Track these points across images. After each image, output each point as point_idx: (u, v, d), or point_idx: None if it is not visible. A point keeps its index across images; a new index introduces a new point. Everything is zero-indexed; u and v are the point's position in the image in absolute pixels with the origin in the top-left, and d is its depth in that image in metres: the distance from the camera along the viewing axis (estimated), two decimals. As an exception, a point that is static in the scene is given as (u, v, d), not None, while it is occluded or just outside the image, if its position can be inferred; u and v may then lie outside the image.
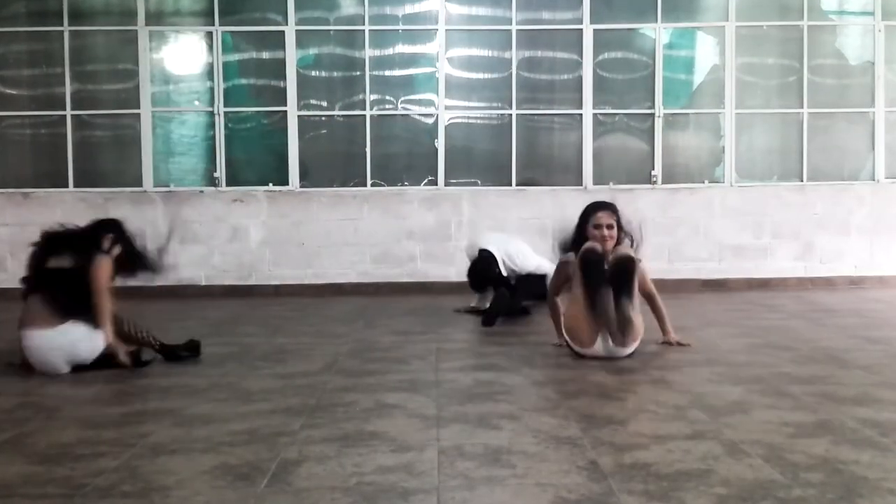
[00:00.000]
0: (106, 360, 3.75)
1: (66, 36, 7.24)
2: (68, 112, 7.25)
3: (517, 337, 4.70)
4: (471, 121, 7.45)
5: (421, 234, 7.19)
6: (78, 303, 3.72)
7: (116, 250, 3.94)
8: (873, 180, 7.45)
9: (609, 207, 4.20)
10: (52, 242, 3.91)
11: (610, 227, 4.12)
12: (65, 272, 3.79)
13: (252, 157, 7.48)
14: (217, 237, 7.24)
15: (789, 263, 7.36)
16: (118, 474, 2.34)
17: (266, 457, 2.47)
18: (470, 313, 5.64)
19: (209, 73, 7.34)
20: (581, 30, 7.31)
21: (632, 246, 4.19)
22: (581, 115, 7.35)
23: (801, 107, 7.40)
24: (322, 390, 3.39)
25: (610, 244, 4.09)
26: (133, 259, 4.02)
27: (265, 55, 7.37)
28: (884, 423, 2.77)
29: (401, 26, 7.35)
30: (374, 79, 7.34)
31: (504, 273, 5.53)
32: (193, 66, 7.43)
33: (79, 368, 3.75)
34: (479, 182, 7.33)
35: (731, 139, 7.42)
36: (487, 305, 5.35)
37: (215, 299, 6.87)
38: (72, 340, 3.69)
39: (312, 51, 7.41)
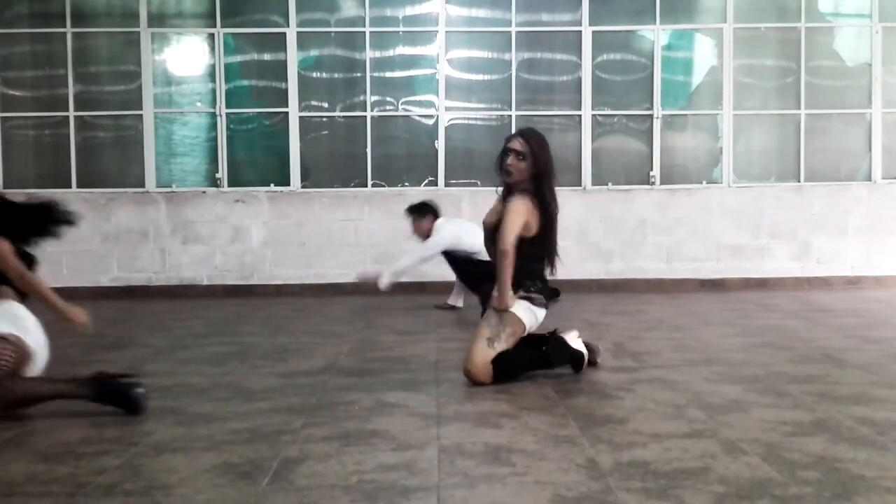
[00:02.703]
0: None
1: (69, 38, 7.26)
2: (71, 113, 7.27)
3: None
4: (471, 122, 7.48)
5: (421, 234, 7.21)
6: None
7: None
8: (870, 181, 7.47)
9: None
10: None
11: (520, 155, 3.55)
12: None
13: (254, 158, 7.51)
14: (219, 237, 7.27)
15: (787, 263, 7.38)
16: (120, 472, 2.36)
17: (267, 455, 2.49)
18: (446, 309, 5.96)
19: (211, 75, 7.36)
20: (580, 31, 7.34)
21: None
22: (580, 116, 7.38)
23: (799, 108, 7.43)
24: (323, 389, 3.40)
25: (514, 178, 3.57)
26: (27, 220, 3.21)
27: (267, 57, 7.39)
28: (881, 422, 2.79)
29: (401, 28, 7.37)
30: (374, 80, 7.36)
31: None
32: (195, 68, 7.45)
33: None
34: (479, 183, 7.35)
35: (729, 140, 7.44)
36: (461, 304, 5.93)
37: (217, 299, 6.89)
38: None
39: (313, 52, 7.43)
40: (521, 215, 3.50)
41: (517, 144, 3.57)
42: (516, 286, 3.53)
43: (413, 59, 7.46)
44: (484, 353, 3.41)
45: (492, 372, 3.40)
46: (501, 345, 3.44)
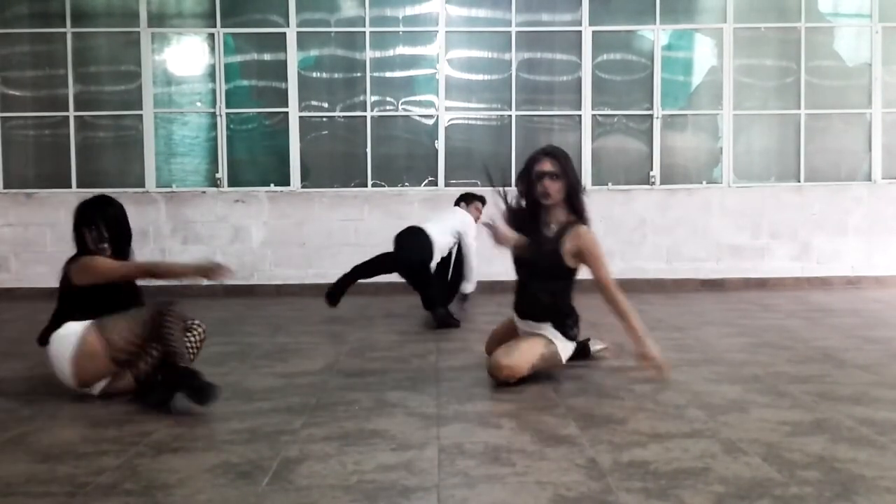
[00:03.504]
0: None
1: (69, 38, 7.26)
2: (71, 113, 7.27)
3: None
4: (471, 122, 7.48)
5: (421, 234, 7.21)
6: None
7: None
8: (870, 181, 7.47)
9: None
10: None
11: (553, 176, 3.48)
12: None
13: (254, 158, 7.51)
14: (219, 237, 7.27)
15: (787, 263, 7.39)
16: (120, 472, 2.36)
17: (267, 455, 2.49)
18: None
19: (211, 75, 7.36)
20: (580, 32, 7.34)
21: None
22: (580, 116, 7.38)
23: (799, 108, 7.43)
24: (323, 389, 3.41)
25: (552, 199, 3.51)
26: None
27: (267, 57, 7.39)
28: (881, 422, 2.79)
29: (401, 28, 7.38)
30: (374, 80, 7.36)
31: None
32: (195, 68, 7.45)
33: None
34: (479, 183, 7.33)
35: (729, 140, 7.44)
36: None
37: (217, 299, 6.89)
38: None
39: (313, 52, 7.44)
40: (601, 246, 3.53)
41: (548, 165, 3.49)
42: (564, 327, 3.53)
43: (413, 59, 7.47)
44: (526, 367, 3.40)
45: (509, 377, 3.42)
46: (539, 367, 3.47)
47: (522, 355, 3.42)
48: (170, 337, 3.12)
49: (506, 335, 3.74)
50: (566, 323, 3.54)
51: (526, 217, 3.58)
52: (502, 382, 3.40)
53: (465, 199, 5.92)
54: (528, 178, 3.52)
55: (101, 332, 3.17)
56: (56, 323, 3.29)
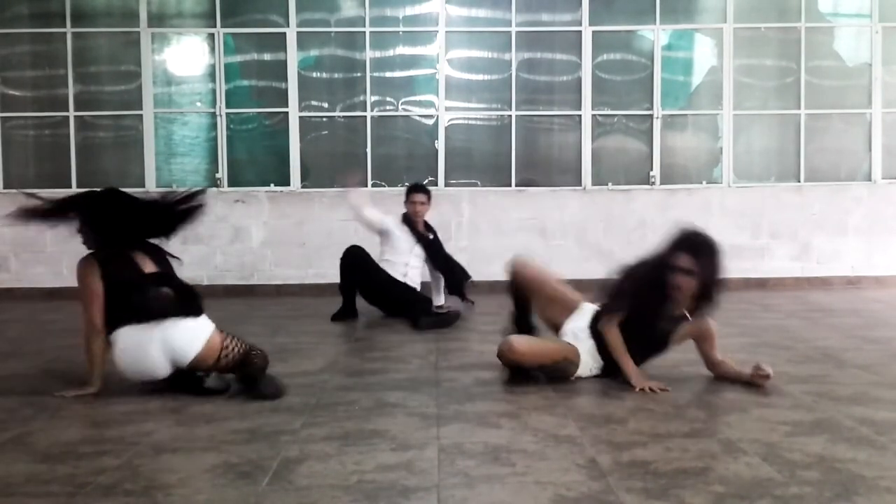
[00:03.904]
0: None
1: (69, 38, 7.26)
2: (71, 113, 7.27)
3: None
4: (471, 122, 7.48)
5: (421, 234, 7.20)
6: None
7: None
8: (870, 181, 7.48)
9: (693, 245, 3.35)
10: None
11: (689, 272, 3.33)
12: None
13: (254, 158, 7.51)
14: (219, 237, 7.27)
15: (787, 263, 7.39)
16: (120, 472, 2.36)
17: (267, 455, 2.49)
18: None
19: (211, 75, 7.36)
20: (580, 32, 7.34)
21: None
22: (580, 116, 7.38)
23: (799, 108, 7.43)
24: (323, 389, 3.41)
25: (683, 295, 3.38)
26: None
27: (267, 57, 7.40)
28: (880, 422, 2.79)
29: (401, 28, 7.38)
30: (374, 80, 7.36)
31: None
32: (195, 68, 7.45)
33: None
34: (479, 183, 7.36)
35: (729, 140, 7.44)
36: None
37: (217, 299, 6.85)
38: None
39: (313, 52, 7.44)
40: None
41: (688, 262, 3.32)
42: (608, 370, 3.52)
43: (413, 59, 7.47)
44: (537, 363, 3.41)
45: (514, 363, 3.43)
46: (547, 368, 3.45)
47: (544, 351, 3.44)
48: (247, 367, 3.34)
49: (544, 288, 3.69)
50: (612, 369, 3.53)
51: (649, 292, 3.41)
52: (507, 365, 3.44)
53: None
54: (666, 263, 3.37)
55: (223, 337, 3.39)
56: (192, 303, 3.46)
